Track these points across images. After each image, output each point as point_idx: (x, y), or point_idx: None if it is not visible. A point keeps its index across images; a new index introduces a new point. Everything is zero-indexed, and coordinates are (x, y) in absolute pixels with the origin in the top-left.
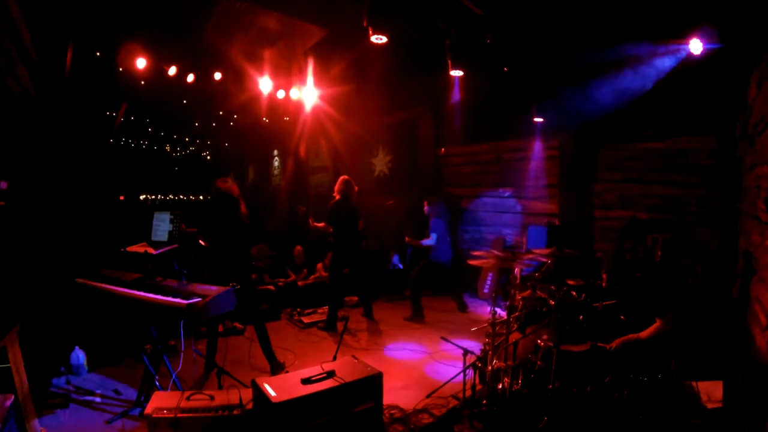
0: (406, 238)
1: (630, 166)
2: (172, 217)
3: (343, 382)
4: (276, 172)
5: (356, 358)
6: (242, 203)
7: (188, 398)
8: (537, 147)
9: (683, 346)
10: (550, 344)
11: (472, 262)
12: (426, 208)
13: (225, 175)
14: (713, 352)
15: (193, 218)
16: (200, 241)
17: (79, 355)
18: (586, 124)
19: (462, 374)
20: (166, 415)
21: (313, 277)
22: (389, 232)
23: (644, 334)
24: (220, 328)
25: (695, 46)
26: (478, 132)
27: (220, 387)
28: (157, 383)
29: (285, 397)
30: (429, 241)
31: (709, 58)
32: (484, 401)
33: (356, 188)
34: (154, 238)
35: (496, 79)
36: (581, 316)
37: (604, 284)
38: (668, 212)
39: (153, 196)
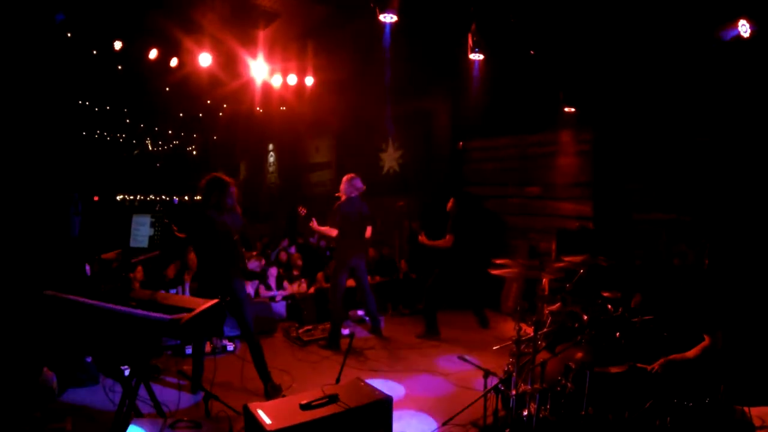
0: (420, 238)
1: (674, 162)
2: (153, 220)
3: (347, 407)
4: (271, 169)
5: (362, 381)
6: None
7: (172, 426)
8: (567, 140)
9: (735, 368)
10: (583, 364)
11: (494, 272)
12: (450, 206)
13: (213, 171)
14: None
15: (179, 222)
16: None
17: (48, 378)
18: (623, 114)
19: (482, 399)
20: None
21: (313, 288)
22: (399, 237)
23: (691, 353)
24: (208, 347)
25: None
26: (501, 124)
27: (207, 413)
28: (137, 409)
29: (281, 424)
30: (446, 243)
31: None
32: (508, 429)
33: (363, 187)
34: (132, 244)
35: (520, 63)
36: (618, 333)
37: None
38: (715, 215)
39: (131, 197)
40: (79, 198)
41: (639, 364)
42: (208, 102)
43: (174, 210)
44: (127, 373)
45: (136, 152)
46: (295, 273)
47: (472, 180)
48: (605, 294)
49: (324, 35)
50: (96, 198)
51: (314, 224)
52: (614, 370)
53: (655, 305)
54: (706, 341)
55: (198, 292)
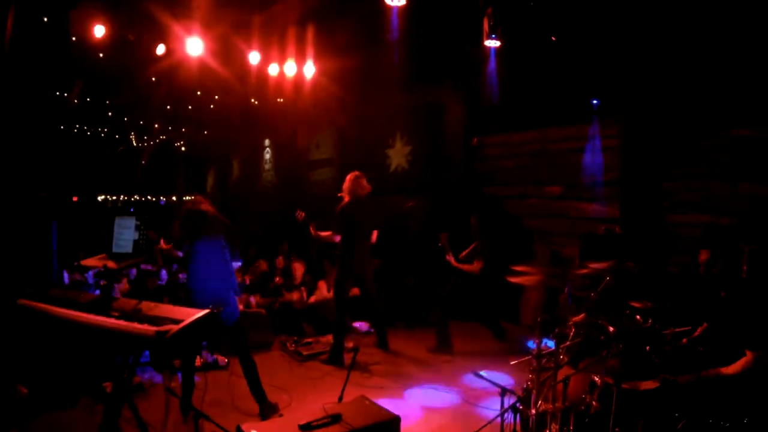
0: (448, 257)
1: (713, 158)
2: (138, 222)
3: (351, 428)
4: (267, 166)
5: (368, 399)
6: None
7: None
8: (593, 135)
9: None
10: (610, 381)
11: (513, 279)
12: (474, 225)
13: (204, 171)
14: None
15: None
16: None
17: (23, 396)
18: (655, 105)
19: (499, 419)
20: None
21: (313, 297)
22: (407, 241)
23: (731, 369)
24: (198, 362)
25: None
26: (520, 117)
27: None
28: (120, 430)
29: None
30: (474, 270)
31: None
32: None
33: (369, 187)
34: (115, 249)
35: (541, 51)
36: (648, 347)
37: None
38: (759, 217)
39: (114, 197)
40: (53, 198)
41: (669, 377)
42: (198, 93)
43: (160, 214)
44: (109, 390)
45: (121, 149)
46: (295, 281)
47: (487, 179)
48: (634, 304)
49: (326, 20)
50: (75, 198)
51: (313, 229)
52: (644, 386)
53: (689, 316)
54: (749, 357)
55: (187, 302)
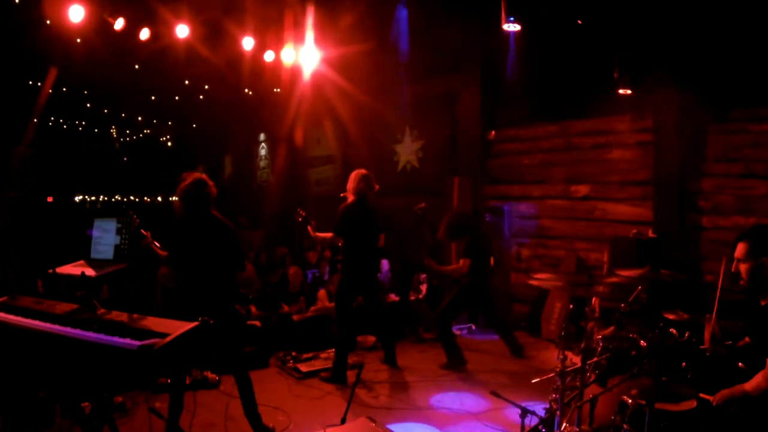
0: (427, 262)
1: (752, 155)
2: (119, 225)
3: None
4: (263, 164)
5: (373, 421)
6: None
7: None
8: (624, 128)
9: None
10: (642, 402)
11: (533, 282)
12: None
13: (192, 169)
14: None
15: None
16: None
17: None
18: (693, 96)
19: None
20: None
21: (313, 308)
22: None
23: (750, 384)
24: (187, 380)
25: None
26: (542, 109)
27: None
28: None
29: None
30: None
31: None
32: None
33: (376, 186)
34: (94, 255)
35: (566, 35)
36: (684, 363)
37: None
38: None
39: (93, 197)
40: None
41: (702, 395)
42: (186, 83)
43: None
44: (87, 411)
45: (107, 146)
46: (293, 289)
47: (504, 177)
48: (669, 316)
49: (328, 1)
50: (50, 199)
51: (312, 231)
52: (679, 407)
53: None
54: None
55: (176, 313)
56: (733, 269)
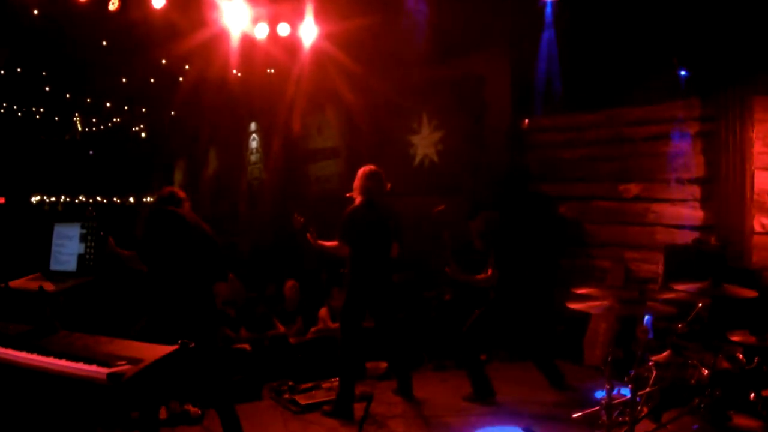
0: (448, 270)
1: None
2: (84, 231)
3: None
4: (254, 158)
5: None
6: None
7: None
8: (682, 117)
9: None
10: None
11: (573, 306)
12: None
13: (170, 161)
14: None
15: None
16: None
17: None
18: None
19: None
20: None
21: (314, 329)
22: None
23: None
24: (163, 414)
25: None
26: (584, 94)
27: None
28: None
29: None
30: (487, 280)
31: None
32: None
33: (388, 185)
34: (54, 266)
35: (613, 7)
36: (753, 393)
37: None
38: None
39: (53, 198)
40: None
41: None
42: (163, 62)
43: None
44: None
45: (67, 137)
46: (289, 307)
47: (540, 174)
48: (735, 338)
49: None
50: (2, 200)
51: (311, 238)
52: None
53: None
54: None
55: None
56: None
